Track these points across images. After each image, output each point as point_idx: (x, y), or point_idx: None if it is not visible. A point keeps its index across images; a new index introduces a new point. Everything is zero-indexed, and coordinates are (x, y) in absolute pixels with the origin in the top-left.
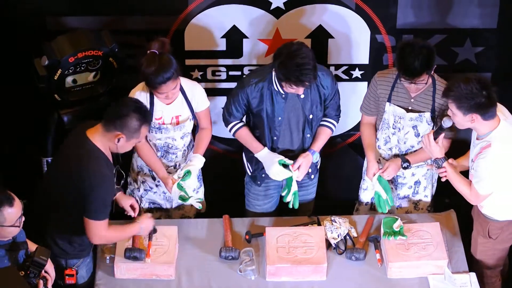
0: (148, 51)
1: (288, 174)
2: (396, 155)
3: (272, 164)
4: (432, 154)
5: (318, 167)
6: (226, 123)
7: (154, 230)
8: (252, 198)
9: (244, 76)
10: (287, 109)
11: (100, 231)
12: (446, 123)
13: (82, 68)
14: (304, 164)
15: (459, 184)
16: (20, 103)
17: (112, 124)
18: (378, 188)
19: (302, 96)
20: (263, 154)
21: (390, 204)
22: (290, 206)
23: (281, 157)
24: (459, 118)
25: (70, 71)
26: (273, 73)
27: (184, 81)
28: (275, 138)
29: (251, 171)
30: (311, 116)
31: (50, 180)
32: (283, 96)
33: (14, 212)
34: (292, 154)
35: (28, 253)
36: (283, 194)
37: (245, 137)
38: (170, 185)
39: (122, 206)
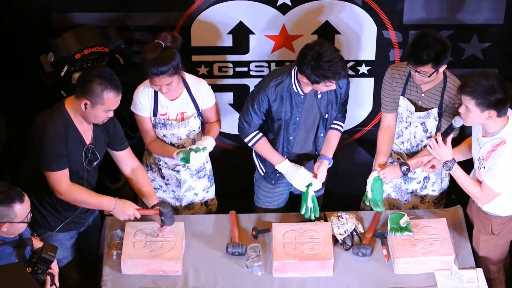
0: (156, 40)
1: (310, 180)
2: (408, 152)
3: (296, 174)
4: (442, 156)
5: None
6: (244, 134)
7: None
8: (262, 196)
9: (261, 79)
10: (305, 110)
11: (59, 183)
12: (458, 122)
13: (89, 64)
14: (322, 171)
15: (469, 184)
16: (26, 100)
17: (78, 91)
18: (368, 188)
19: (319, 95)
20: (284, 166)
21: (380, 206)
22: (311, 217)
23: (302, 168)
24: (475, 115)
25: (77, 67)
26: (292, 74)
27: (190, 78)
28: (291, 138)
29: (264, 171)
30: (326, 116)
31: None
32: (302, 96)
33: (24, 208)
34: (304, 153)
35: (33, 249)
36: (302, 211)
37: (265, 148)
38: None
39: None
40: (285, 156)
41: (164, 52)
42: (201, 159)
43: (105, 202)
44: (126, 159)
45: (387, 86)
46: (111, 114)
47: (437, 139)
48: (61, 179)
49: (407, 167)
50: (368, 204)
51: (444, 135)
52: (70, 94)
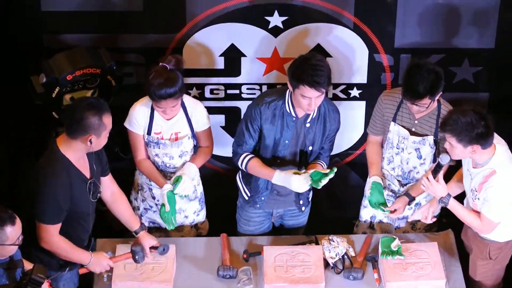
0: (160, 64)
1: (306, 177)
2: (400, 178)
3: (291, 180)
4: (436, 194)
5: (310, 199)
6: (237, 158)
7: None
8: (243, 224)
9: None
10: (294, 134)
11: (47, 235)
12: (444, 159)
13: (80, 86)
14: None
15: (468, 217)
16: (17, 120)
17: (76, 131)
18: (367, 189)
19: (308, 125)
20: (277, 177)
21: (383, 208)
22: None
23: (292, 171)
24: (459, 151)
25: (68, 88)
26: (286, 95)
27: (187, 99)
28: (278, 161)
29: (249, 195)
30: (310, 148)
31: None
32: (294, 119)
33: (15, 230)
34: (289, 193)
35: (24, 271)
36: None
37: (257, 166)
38: (163, 188)
39: (143, 245)
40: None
41: (169, 75)
42: (187, 190)
43: (82, 256)
44: (107, 184)
45: (378, 111)
46: (108, 134)
47: (428, 178)
48: (52, 233)
49: (413, 199)
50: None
51: (434, 173)
52: (61, 116)
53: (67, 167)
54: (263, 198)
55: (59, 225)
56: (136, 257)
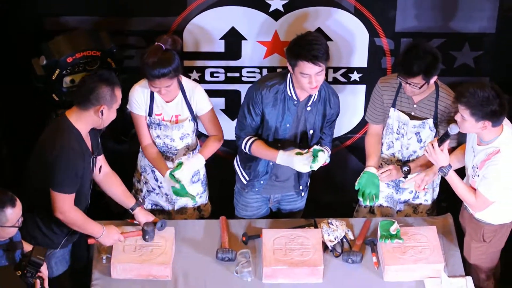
0: (156, 43)
1: (308, 157)
2: (398, 160)
3: (293, 160)
4: (438, 162)
5: (308, 184)
6: (239, 140)
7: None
8: (241, 209)
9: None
10: (295, 117)
11: (63, 205)
12: (453, 129)
13: (80, 68)
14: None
15: (464, 191)
16: (18, 103)
17: (88, 102)
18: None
19: (309, 108)
20: (280, 157)
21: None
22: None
23: (295, 151)
24: (470, 125)
25: (68, 71)
26: (288, 78)
27: (186, 82)
28: (279, 145)
29: (247, 179)
30: (311, 132)
31: (28, 164)
32: (295, 103)
33: (15, 212)
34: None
35: (24, 252)
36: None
37: (261, 148)
38: (164, 175)
39: (139, 221)
40: (271, 163)
41: (164, 54)
42: (186, 178)
43: (95, 228)
44: (100, 164)
45: (377, 99)
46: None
47: (433, 145)
48: (68, 202)
49: (408, 168)
50: (362, 205)
51: (440, 141)
52: (62, 98)
53: (78, 137)
54: (262, 182)
55: (74, 195)
56: (147, 236)
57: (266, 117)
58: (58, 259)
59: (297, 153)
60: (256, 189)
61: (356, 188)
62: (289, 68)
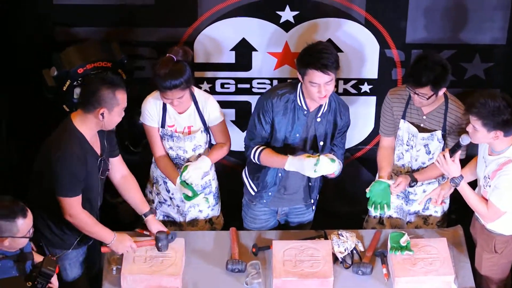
0: (167, 55)
1: (313, 160)
2: (407, 172)
3: (303, 164)
4: (449, 173)
5: (317, 198)
6: (248, 150)
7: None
8: (249, 221)
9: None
10: (305, 128)
11: (70, 208)
12: (465, 140)
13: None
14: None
15: (475, 202)
16: (29, 113)
17: (89, 104)
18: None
19: (319, 119)
20: (290, 162)
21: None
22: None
23: (305, 155)
24: (481, 135)
25: (79, 82)
26: (298, 88)
27: (198, 93)
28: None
29: (256, 190)
30: (321, 143)
31: (34, 168)
32: (305, 112)
33: (26, 223)
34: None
35: (34, 263)
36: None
37: (270, 155)
38: (175, 182)
39: (150, 229)
40: (280, 174)
41: (175, 66)
42: (195, 180)
43: (105, 234)
44: (117, 166)
45: (387, 111)
46: (123, 113)
47: (444, 155)
48: (75, 205)
49: (415, 183)
50: (372, 215)
51: (452, 152)
52: (73, 109)
53: (80, 140)
54: (270, 194)
55: (79, 197)
56: (160, 244)
57: (276, 126)
58: (72, 261)
59: (307, 156)
60: (264, 201)
61: (367, 196)
62: (299, 77)
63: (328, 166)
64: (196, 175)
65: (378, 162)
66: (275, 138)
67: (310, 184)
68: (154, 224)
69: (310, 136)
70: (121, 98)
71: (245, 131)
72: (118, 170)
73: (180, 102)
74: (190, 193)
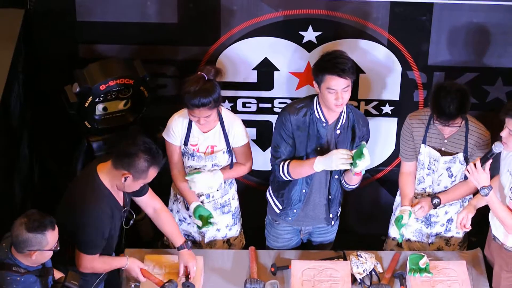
0: (199, 73)
1: (347, 152)
2: (429, 195)
3: (332, 156)
4: (479, 182)
5: (339, 214)
6: (276, 167)
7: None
8: (272, 240)
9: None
10: (325, 140)
11: (87, 263)
12: (497, 147)
13: (113, 96)
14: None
15: (504, 213)
16: (50, 130)
17: (120, 162)
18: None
19: (338, 131)
20: (318, 161)
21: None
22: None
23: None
24: None
25: (101, 98)
26: (315, 101)
27: (226, 113)
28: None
29: (280, 208)
30: None
31: (57, 213)
32: (324, 125)
33: (54, 235)
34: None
35: (54, 279)
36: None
37: (297, 165)
38: (191, 204)
39: (180, 261)
40: (304, 190)
41: (206, 84)
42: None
43: (119, 263)
44: (147, 202)
45: (407, 135)
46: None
47: (475, 164)
48: (92, 260)
49: (438, 200)
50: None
51: (483, 161)
52: (94, 125)
53: (108, 197)
54: (295, 211)
55: (98, 254)
56: None
57: (297, 141)
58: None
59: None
60: (289, 218)
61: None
62: (316, 88)
63: (367, 160)
64: (201, 184)
65: (400, 189)
66: (296, 151)
67: (330, 197)
68: (185, 259)
69: (331, 149)
70: (151, 175)
71: (267, 151)
72: (149, 205)
73: (207, 121)
74: (200, 224)
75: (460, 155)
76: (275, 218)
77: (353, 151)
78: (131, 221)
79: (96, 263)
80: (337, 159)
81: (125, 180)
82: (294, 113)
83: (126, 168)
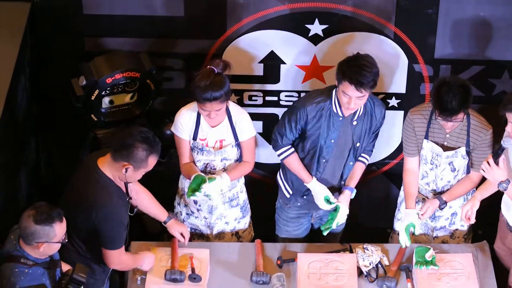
0: (208, 66)
1: (331, 206)
2: (434, 192)
3: (318, 198)
4: (495, 178)
5: (352, 197)
6: (276, 147)
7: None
8: (283, 224)
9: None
10: (340, 134)
11: (117, 258)
12: (506, 142)
13: (119, 89)
14: (344, 200)
15: None
16: (56, 123)
17: (119, 154)
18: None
19: (355, 123)
20: (312, 185)
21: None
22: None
23: (328, 193)
24: None
25: (107, 91)
26: (333, 95)
27: (233, 107)
28: (323, 161)
29: (290, 193)
30: (358, 145)
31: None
32: (341, 118)
33: (63, 227)
34: (330, 186)
35: (62, 271)
36: (323, 227)
37: (295, 165)
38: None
39: (172, 233)
40: (315, 178)
41: (216, 78)
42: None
43: (140, 263)
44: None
45: (409, 131)
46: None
47: (488, 162)
48: (119, 254)
49: (445, 204)
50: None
51: (495, 157)
52: (101, 118)
53: (117, 190)
54: (305, 197)
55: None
56: None
57: (310, 133)
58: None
59: (325, 197)
60: (299, 204)
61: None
62: (336, 82)
63: (343, 217)
64: (213, 190)
65: (404, 188)
66: (310, 143)
67: (342, 182)
68: (176, 228)
69: (347, 140)
70: (151, 163)
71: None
72: (132, 190)
73: (217, 114)
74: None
75: (462, 149)
76: (285, 201)
77: (336, 205)
78: (135, 209)
79: (124, 256)
80: (321, 204)
81: (126, 171)
82: (311, 108)
83: (126, 160)
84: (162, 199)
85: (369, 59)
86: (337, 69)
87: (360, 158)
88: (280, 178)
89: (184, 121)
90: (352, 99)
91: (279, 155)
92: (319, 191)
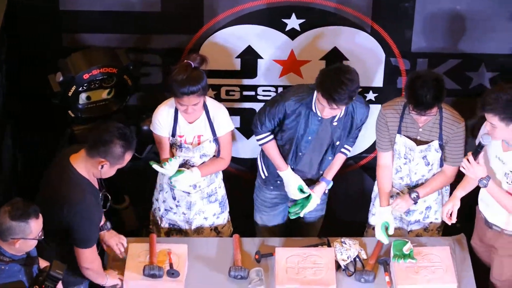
0: (185, 61)
1: (303, 195)
2: (408, 186)
3: (291, 187)
4: (476, 175)
5: (327, 192)
6: (256, 132)
7: None
8: (260, 204)
9: (283, 90)
10: (319, 132)
11: (90, 255)
12: (485, 139)
13: (96, 85)
14: (318, 191)
15: (505, 199)
16: (36, 119)
17: (96, 151)
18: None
19: (335, 123)
20: (286, 174)
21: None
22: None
23: (301, 183)
24: (502, 130)
25: (85, 87)
26: (314, 94)
27: (210, 102)
28: (300, 154)
29: (265, 175)
30: (337, 143)
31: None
32: (319, 118)
33: (38, 224)
34: (306, 178)
35: (40, 268)
36: (291, 210)
37: (272, 152)
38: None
39: (109, 245)
40: (291, 167)
41: (193, 72)
42: (181, 185)
43: (103, 280)
44: None
45: (382, 126)
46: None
47: (468, 159)
48: (91, 253)
49: (417, 194)
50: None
51: (475, 154)
52: (78, 115)
53: (90, 187)
54: (278, 182)
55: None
56: None
57: (288, 126)
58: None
59: (299, 186)
60: (271, 187)
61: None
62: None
63: (313, 206)
64: (183, 183)
65: (378, 184)
66: (287, 136)
67: (320, 172)
68: (105, 238)
69: (325, 138)
70: (127, 159)
71: (250, 139)
72: None
73: (194, 109)
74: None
75: (435, 143)
76: (262, 182)
77: (309, 194)
78: (108, 204)
79: (95, 260)
80: (292, 193)
81: (102, 168)
82: (290, 103)
83: (103, 156)
84: (140, 194)
85: (349, 75)
86: (317, 76)
87: (341, 149)
88: (259, 158)
89: (162, 118)
90: (325, 109)
91: (258, 140)
92: (293, 181)
